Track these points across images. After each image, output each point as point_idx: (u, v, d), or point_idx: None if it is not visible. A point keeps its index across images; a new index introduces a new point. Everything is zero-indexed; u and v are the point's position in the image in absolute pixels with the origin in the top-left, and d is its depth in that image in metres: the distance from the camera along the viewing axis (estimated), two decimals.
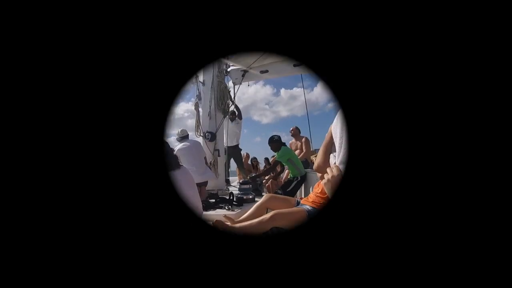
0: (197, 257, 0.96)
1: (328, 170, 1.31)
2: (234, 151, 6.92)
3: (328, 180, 1.28)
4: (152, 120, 0.98)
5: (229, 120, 6.50)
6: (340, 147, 1.29)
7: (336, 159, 1.35)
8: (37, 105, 0.89)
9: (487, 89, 0.80)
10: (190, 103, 6.09)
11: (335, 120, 1.40)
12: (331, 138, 1.63)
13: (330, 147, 1.68)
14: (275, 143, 5.77)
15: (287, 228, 4.20)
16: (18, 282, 0.81)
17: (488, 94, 0.80)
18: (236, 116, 6.66)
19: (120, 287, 0.90)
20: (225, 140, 6.20)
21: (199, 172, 4.69)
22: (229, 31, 0.98)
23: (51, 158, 0.90)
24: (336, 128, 1.35)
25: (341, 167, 1.26)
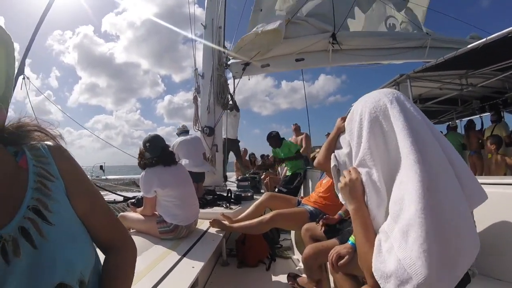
0: None
1: (345, 173, 1.19)
2: (233, 144, 6.78)
3: (345, 184, 1.15)
4: None
5: (228, 112, 6.38)
6: (359, 146, 1.15)
7: (353, 160, 1.21)
8: None
9: None
10: (190, 92, 6.01)
11: (349, 115, 1.25)
12: (337, 134, 1.52)
13: (334, 144, 1.55)
14: (274, 139, 5.67)
15: (288, 229, 4.12)
16: None
17: None
18: (233, 107, 6.55)
19: None
20: (223, 132, 6.07)
21: (196, 163, 4.60)
22: None
23: None
24: (353, 124, 1.20)
25: (360, 170, 1.13)
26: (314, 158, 6.71)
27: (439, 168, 0.93)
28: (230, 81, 6.00)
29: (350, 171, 1.16)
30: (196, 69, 5.74)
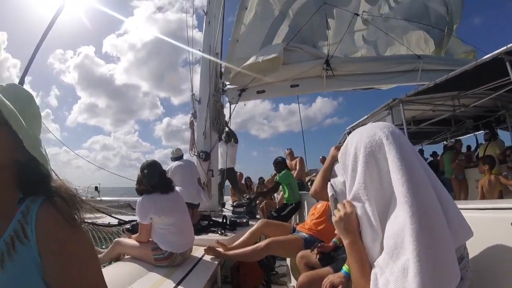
0: None
1: (340, 206, 1.19)
2: (229, 174, 6.82)
3: (340, 218, 1.15)
4: None
5: (224, 142, 6.43)
6: (353, 179, 1.18)
7: (348, 193, 1.24)
8: None
9: None
10: (189, 115, 6.07)
11: (343, 147, 1.28)
12: (331, 163, 1.55)
13: (329, 173, 1.58)
14: (280, 164, 5.83)
15: (283, 256, 4.10)
16: None
17: None
18: (231, 138, 6.60)
19: None
20: (220, 161, 6.09)
21: (192, 193, 4.60)
22: None
23: None
24: (347, 157, 1.23)
25: (355, 203, 1.15)
26: (309, 181, 6.74)
27: (430, 207, 0.96)
28: (228, 105, 6.10)
29: (344, 205, 1.17)
30: (193, 94, 5.82)
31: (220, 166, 6.11)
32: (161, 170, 3.18)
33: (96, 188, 11.84)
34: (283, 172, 5.68)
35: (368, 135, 1.12)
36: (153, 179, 3.04)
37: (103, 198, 10.76)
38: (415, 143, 11.86)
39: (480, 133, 9.70)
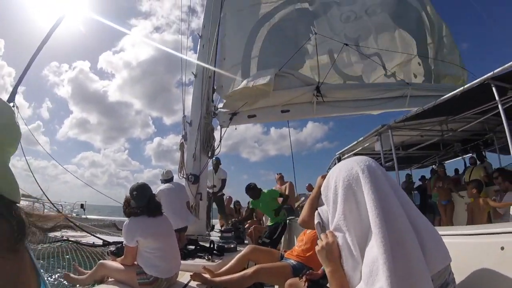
0: None
1: (322, 236, 1.24)
2: (217, 199, 6.82)
3: (322, 247, 1.20)
4: None
5: (213, 169, 6.47)
6: (334, 211, 1.22)
7: (330, 224, 1.27)
8: None
9: None
10: (180, 136, 6.04)
11: (325, 181, 1.32)
12: (318, 192, 1.57)
13: (316, 202, 1.61)
14: (253, 190, 5.71)
15: (271, 283, 4.03)
16: None
17: None
18: (220, 165, 6.64)
19: None
20: (209, 184, 6.07)
21: (180, 217, 4.55)
22: None
23: None
24: (328, 190, 1.27)
25: (336, 233, 1.19)
26: (299, 207, 6.71)
27: (403, 237, 1.00)
28: (218, 128, 6.12)
29: (327, 235, 1.22)
30: (184, 116, 5.85)
31: (208, 190, 6.08)
32: (150, 193, 3.16)
33: (82, 205, 11.62)
34: (261, 196, 5.68)
35: (346, 170, 1.19)
36: (141, 202, 3.01)
37: (89, 216, 10.53)
38: (404, 168, 11.97)
39: (469, 156, 9.89)
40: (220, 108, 6.17)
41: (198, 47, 6.42)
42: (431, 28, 7.98)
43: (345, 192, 1.15)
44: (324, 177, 1.50)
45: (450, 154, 10.92)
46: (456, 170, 10.52)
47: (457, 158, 11.09)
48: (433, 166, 11.50)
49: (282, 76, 5.99)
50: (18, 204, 0.61)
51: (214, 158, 6.24)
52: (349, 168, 1.18)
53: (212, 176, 6.59)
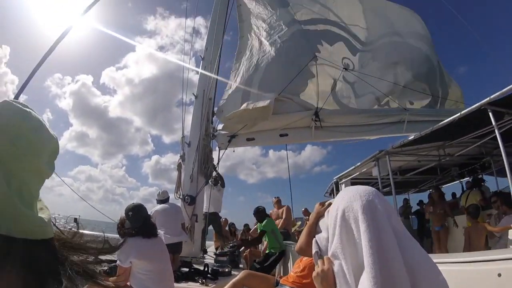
0: None
1: (319, 262, 1.25)
2: (214, 218, 6.72)
3: (317, 274, 1.21)
4: None
5: (212, 185, 6.40)
6: (333, 237, 1.23)
7: (328, 251, 1.28)
8: None
9: None
10: (179, 154, 6.04)
11: (332, 205, 1.34)
12: (316, 219, 1.58)
13: (314, 229, 1.60)
14: (261, 213, 5.70)
15: None
16: None
17: None
18: (219, 181, 6.58)
19: None
20: (205, 205, 6.01)
21: (174, 233, 4.50)
22: None
23: None
24: (330, 215, 1.29)
25: (333, 260, 1.19)
26: (296, 231, 6.64)
27: (395, 277, 1.00)
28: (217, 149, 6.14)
29: (323, 261, 1.22)
30: (183, 137, 5.87)
31: (204, 210, 6.01)
32: (145, 214, 3.15)
33: (75, 219, 11.45)
34: (265, 220, 5.61)
35: (348, 200, 1.18)
36: (137, 223, 3.00)
37: (81, 231, 10.40)
38: (401, 192, 11.93)
39: (466, 180, 9.89)
40: (219, 130, 6.21)
41: (200, 69, 6.49)
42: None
43: (343, 223, 1.16)
44: (322, 204, 1.52)
45: (447, 178, 10.91)
46: (454, 194, 10.52)
47: (454, 182, 11.08)
48: (431, 190, 11.50)
49: (281, 100, 6.05)
50: (44, 239, 0.48)
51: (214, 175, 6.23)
52: (351, 200, 1.18)
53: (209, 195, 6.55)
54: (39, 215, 0.49)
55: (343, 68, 6.67)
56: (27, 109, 0.52)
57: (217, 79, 6.31)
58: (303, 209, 9.84)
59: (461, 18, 10.98)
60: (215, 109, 6.50)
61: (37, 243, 0.46)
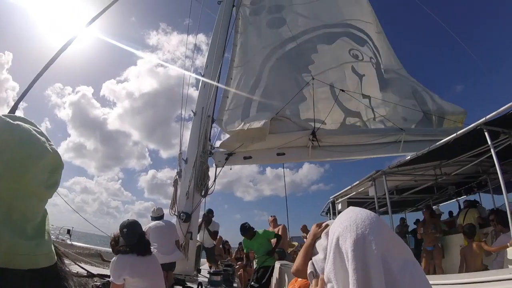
0: None
1: (313, 282, 1.25)
2: (209, 251, 6.84)
3: None
4: None
5: (204, 224, 6.47)
6: (328, 259, 1.23)
7: (324, 269, 1.28)
8: None
9: None
10: (176, 170, 6.04)
11: (323, 234, 1.35)
12: (313, 240, 1.58)
13: (311, 251, 1.59)
14: (247, 231, 5.59)
15: None
16: None
17: None
18: (212, 217, 6.66)
19: None
20: (200, 239, 6.02)
21: (167, 252, 4.46)
22: None
23: None
24: (329, 238, 1.29)
25: (327, 281, 1.20)
26: (293, 252, 6.56)
27: None
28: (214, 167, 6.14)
29: (318, 281, 1.21)
30: (180, 153, 5.88)
31: (198, 243, 6.03)
32: (140, 231, 3.14)
33: (68, 231, 11.30)
34: (255, 236, 5.57)
35: (344, 229, 1.15)
36: (131, 240, 2.98)
37: (74, 243, 10.20)
38: (398, 211, 11.91)
39: (463, 198, 9.89)
40: (217, 147, 6.23)
41: (200, 86, 6.57)
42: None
43: (338, 251, 1.13)
44: (319, 225, 1.52)
45: (444, 197, 10.92)
46: (451, 213, 10.49)
47: (451, 201, 11.07)
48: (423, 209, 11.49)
49: (278, 120, 6.09)
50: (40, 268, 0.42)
51: (206, 212, 6.32)
52: (346, 230, 1.15)
53: (202, 231, 6.66)
54: (36, 240, 0.44)
55: (340, 89, 6.72)
56: (16, 122, 0.47)
57: (216, 97, 6.37)
58: (301, 226, 9.83)
59: (459, 40, 11.17)
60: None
61: (21, 274, 0.39)
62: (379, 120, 7.44)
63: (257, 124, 5.64)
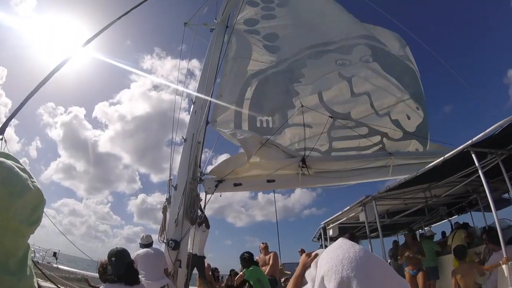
0: None
1: None
2: (199, 261, 6.57)
3: None
4: None
5: (197, 225, 6.31)
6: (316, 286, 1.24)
7: None
8: None
9: None
10: (166, 194, 5.95)
11: (312, 264, 1.37)
12: (303, 270, 1.58)
13: (301, 281, 1.60)
14: (246, 261, 5.59)
15: None
16: None
17: None
18: (203, 222, 6.51)
19: None
20: (190, 246, 5.88)
21: (155, 277, 4.38)
22: None
23: None
24: (317, 270, 1.30)
25: None
26: (285, 280, 6.48)
27: None
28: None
29: None
30: (170, 179, 5.86)
31: (188, 250, 5.87)
32: (129, 260, 3.10)
33: (54, 253, 11.03)
34: (251, 268, 5.49)
35: (329, 268, 1.17)
36: (119, 271, 2.94)
37: (60, 267, 9.92)
38: (390, 234, 11.90)
39: (455, 218, 9.98)
40: (207, 174, 6.22)
41: (191, 112, 6.64)
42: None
43: (322, 285, 1.17)
44: (308, 255, 1.53)
45: (436, 218, 10.99)
46: (444, 233, 10.51)
47: (443, 221, 11.14)
48: (420, 230, 11.52)
49: (268, 146, 6.12)
50: None
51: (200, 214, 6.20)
52: (332, 269, 1.16)
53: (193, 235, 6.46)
54: (18, 275, 0.43)
55: (329, 117, 6.84)
56: None
57: (206, 123, 6.42)
58: (299, 250, 9.84)
59: (448, 66, 11.53)
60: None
61: None
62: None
63: (246, 151, 5.68)
